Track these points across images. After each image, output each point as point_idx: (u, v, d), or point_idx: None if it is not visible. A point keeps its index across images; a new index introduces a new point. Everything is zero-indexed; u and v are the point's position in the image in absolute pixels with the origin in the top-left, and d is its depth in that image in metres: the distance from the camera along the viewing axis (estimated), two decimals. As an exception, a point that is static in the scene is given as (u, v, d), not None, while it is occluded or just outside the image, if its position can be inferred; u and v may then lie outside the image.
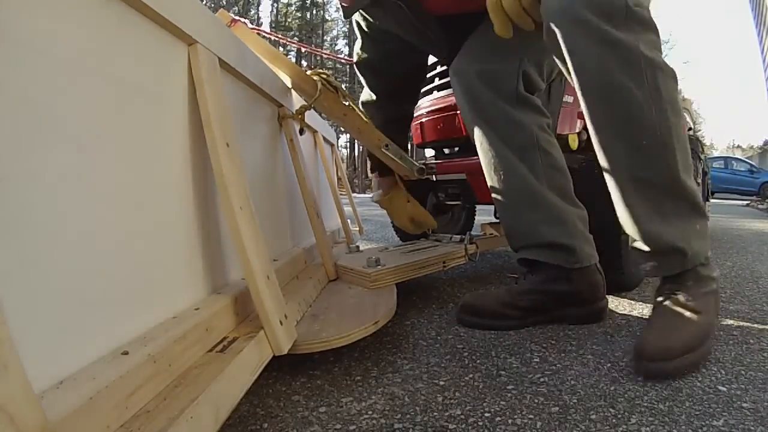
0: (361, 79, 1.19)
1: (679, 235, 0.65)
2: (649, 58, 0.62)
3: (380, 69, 1.14)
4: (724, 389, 0.56)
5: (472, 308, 0.83)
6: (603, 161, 0.67)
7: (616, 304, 0.95)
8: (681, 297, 0.65)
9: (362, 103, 1.19)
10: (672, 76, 0.64)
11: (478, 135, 0.87)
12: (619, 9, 0.61)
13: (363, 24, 1.07)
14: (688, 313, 0.63)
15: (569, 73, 0.66)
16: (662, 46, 0.69)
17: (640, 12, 0.62)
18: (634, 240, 0.68)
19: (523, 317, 0.82)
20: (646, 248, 0.67)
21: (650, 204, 0.65)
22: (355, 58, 1.16)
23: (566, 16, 0.62)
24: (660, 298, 0.67)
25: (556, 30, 0.64)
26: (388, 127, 1.11)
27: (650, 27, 0.63)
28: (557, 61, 0.68)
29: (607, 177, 0.67)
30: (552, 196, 0.83)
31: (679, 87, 0.67)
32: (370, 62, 1.13)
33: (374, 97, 1.17)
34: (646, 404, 0.53)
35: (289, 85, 0.95)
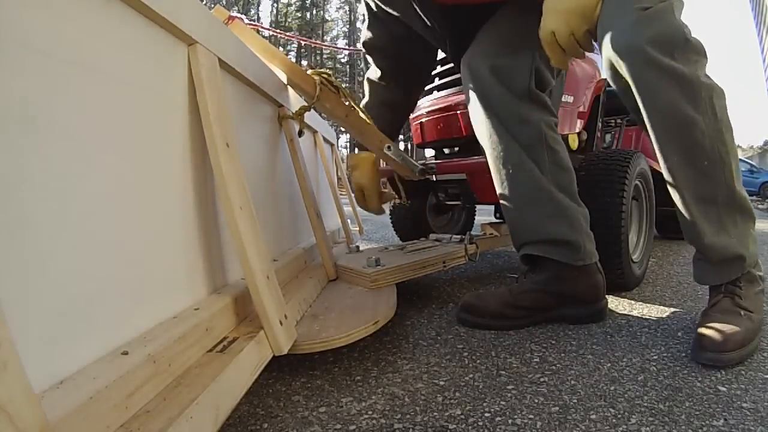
0: (368, 58, 1.15)
1: (738, 243, 0.70)
2: (707, 85, 0.66)
3: (385, 51, 1.11)
4: (724, 389, 0.56)
5: (472, 308, 0.83)
6: (671, 184, 0.70)
7: (616, 304, 0.95)
8: (736, 297, 0.70)
9: (367, 79, 1.16)
10: (722, 95, 0.68)
11: (486, 129, 0.86)
12: (680, 42, 0.64)
13: (372, 3, 1.05)
14: (742, 312, 0.68)
15: (634, 103, 0.67)
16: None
17: (695, 41, 0.65)
18: (698, 253, 0.73)
19: (523, 317, 0.82)
20: (710, 259, 0.71)
21: (714, 219, 0.70)
22: (362, 38, 1.13)
23: (632, 52, 0.63)
24: (718, 296, 0.72)
25: (622, 65, 0.65)
26: (380, 110, 1.08)
27: (702, 53, 0.66)
28: (618, 91, 0.70)
29: (675, 197, 0.71)
30: (558, 192, 0.83)
31: None
32: (376, 44, 1.11)
33: (379, 73, 1.13)
34: (646, 404, 0.53)
35: (285, 82, 0.94)
